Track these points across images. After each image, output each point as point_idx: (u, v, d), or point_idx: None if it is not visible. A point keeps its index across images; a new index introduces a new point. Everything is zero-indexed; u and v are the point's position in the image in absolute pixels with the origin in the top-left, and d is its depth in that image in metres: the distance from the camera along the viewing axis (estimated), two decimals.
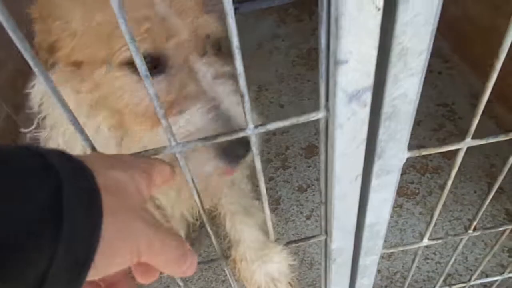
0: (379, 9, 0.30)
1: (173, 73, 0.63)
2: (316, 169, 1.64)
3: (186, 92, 0.62)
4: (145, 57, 0.53)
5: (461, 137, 0.46)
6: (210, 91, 0.61)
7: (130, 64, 0.59)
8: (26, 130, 0.76)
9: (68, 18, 0.59)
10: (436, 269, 1.34)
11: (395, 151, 0.45)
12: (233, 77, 0.60)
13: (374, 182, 0.49)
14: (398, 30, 0.33)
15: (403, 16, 0.31)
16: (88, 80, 0.61)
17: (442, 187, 1.55)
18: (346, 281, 0.69)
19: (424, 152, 0.46)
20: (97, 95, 0.63)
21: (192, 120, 0.59)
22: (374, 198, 0.51)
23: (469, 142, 0.47)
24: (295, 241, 0.59)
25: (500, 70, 0.38)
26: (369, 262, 0.67)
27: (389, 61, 0.35)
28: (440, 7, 0.32)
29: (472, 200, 1.46)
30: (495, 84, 0.40)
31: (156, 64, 0.62)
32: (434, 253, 1.36)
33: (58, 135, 0.72)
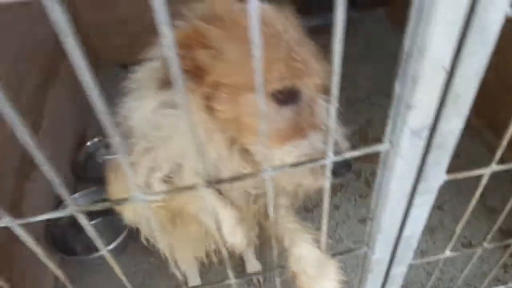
0: (447, 71, 0.40)
1: (302, 105, 0.76)
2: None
3: (310, 121, 0.73)
4: (286, 90, 0.71)
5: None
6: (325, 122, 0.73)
7: (273, 94, 0.72)
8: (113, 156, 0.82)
9: (221, 48, 0.70)
10: (438, 285, 1.44)
11: (437, 174, 0.55)
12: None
13: (417, 200, 0.58)
14: (455, 83, 0.43)
15: (461, 72, 0.42)
16: (228, 101, 0.71)
17: (440, 207, 1.66)
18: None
19: (459, 176, 0.56)
20: (232, 115, 0.72)
21: (314, 144, 0.70)
22: (414, 214, 0.61)
23: (493, 167, 0.57)
24: (340, 253, 0.68)
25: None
26: (398, 272, 0.76)
27: (445, 104, 0.45)
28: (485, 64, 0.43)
29: (468, 219, 1.57)
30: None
31: (292, 97, 0.74)
32: (433, 268, 1.47)
33: (149, 161, 0.79)
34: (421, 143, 0.48)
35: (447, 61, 0.40)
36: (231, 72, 0.70)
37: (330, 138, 0.46)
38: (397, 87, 0.44)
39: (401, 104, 0.44)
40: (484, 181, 0.60)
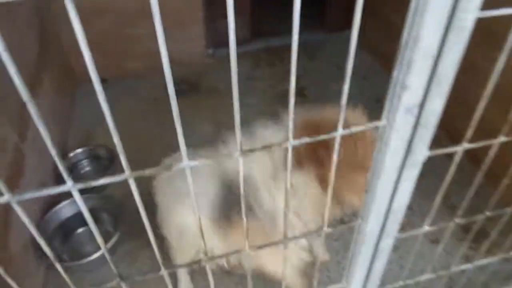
0: (434, 59, 0.52)
1: None
2: None
3: None
4: None
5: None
6: None
7: None
8: None
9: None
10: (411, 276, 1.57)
11: (421, 149, 0.67)
12: None
13: (405, 174, 0.70)
14: (439, 68, 0.55)
15: (444, 60, 0.54)
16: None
17: (409, 207, 1.80)
18: (367, 263, 0.88)
19: (438, 152, 0.69)
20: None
21: None
22: (402, 187, 0.73)
23: (465, 146, 0.70)
24: (334, 226, 0.79)
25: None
26: (385, 245, 0.87)
27: (431, 86, 0.58)
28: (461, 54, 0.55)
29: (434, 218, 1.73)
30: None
31: None
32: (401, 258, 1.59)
33: None
34: (412, 120, 0.60)
35: (435, 50, 0.52)
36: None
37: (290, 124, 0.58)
38: (395, 71, 0.55)
39: (398, 85, 0.56)
40: (457, 158, 0.73)
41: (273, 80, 2.68)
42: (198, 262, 0.68)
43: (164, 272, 0.71)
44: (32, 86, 2.03)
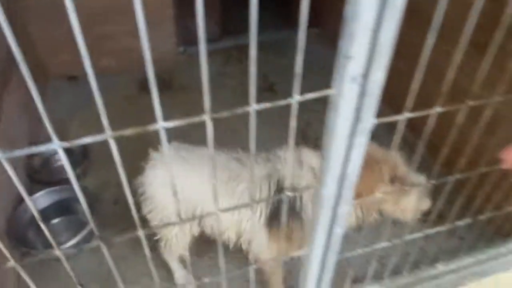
0: (372, 32, 0.62)
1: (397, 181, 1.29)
2: None
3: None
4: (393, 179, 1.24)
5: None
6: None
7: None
8: None
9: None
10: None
11: (369, 117, 0.76)
12: None
13: (355, 140, 0.79)
14: (379, 42, 0.65)
15: (382, 34, 0.63)
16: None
17: None
18: (327, 228, 0.97)
19: (383, 120, 0.78)
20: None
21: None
22: (354, 153, 0.82)
23: (406, 115, 0.80)
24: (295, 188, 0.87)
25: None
26: (342, 211, 0.96)
27: (372, 59, 0.67)
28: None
29: None
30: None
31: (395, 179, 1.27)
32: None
33: None
34: (357, 88, 0.69)
35: (372, 24, 0.61)
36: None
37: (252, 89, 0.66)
38: (340, 43, 0.64)
39: (342, 56, 0.65)
40: (400, 126, 0.82)
41: (243, 76, 2.76)
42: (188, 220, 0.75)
43: (141, 232, 0.78)
44: (3, 82, 2.04)
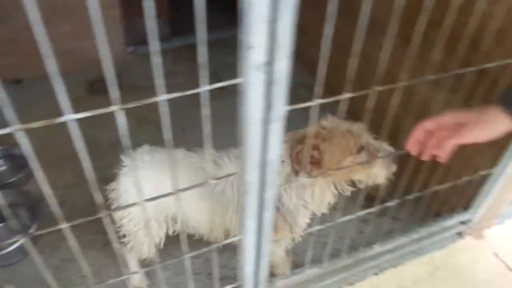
0: (269, 23, 0.66)
1: (365, 150, 1.31)
2: None
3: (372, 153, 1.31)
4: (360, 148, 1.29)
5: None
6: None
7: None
8: None
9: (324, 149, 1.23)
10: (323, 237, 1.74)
11: (280, 105, 0.81)
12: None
13: (270, 127, 0.84)
14: (278, 33, 0.69)
15: (280, 25, 0.68)
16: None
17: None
18: (255, 213, 1.01)
19: (296, 107, 0.83)
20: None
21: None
22: (271, 139, 0.86)
23: (319, 101, 0.85)
24: (220, 178, 0.91)
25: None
26: (270, 196, 1.00)
27: (274, 50, 0.71)
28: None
29: None
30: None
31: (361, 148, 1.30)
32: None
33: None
34: (263, 77, 0.73)
35: (267, 16, 0.65)
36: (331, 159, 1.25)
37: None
38: (241, 35, 0.68)
39: (244, 46, 0.69)
40: (313, 112, 0.88)
41: (192, 75, 2.79)
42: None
43: (103, 214, 0.80)
44: None
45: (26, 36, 2.86)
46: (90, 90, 2.65)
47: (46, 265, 1.69)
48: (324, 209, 1.43)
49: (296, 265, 1.62)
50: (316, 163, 1.28)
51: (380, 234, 1.59)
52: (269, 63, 0.73)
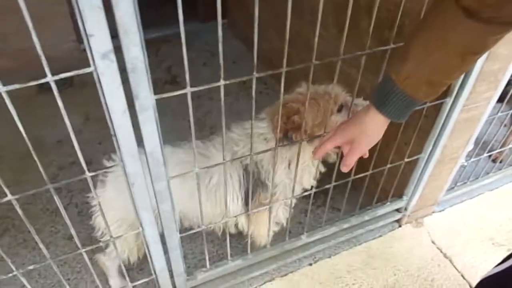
0: (100, 8, 0.64)
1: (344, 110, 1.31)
2: None
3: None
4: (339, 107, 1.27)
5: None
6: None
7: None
8: None
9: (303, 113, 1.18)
10: None
11: (145, 94, 0.80)
12: None
13: (140, 117, 0.83)
14: (117, 20, 0.68)
15: (118, 10, 0.67)
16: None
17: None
18: (149, 205, 1.00)
19: (164, 95, 0.82)
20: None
21: None
22: (144, 130, 0.85)
23: (189, 89, 0.84)
24: (99, 170, 0.90)
25: None
26: (162, 187, 0.99)
27: (120, 37, 0.70)
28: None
29: None
30: None
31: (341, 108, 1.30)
32: None
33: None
34: (114, 65, 0.72)
35: (97, 2, 0.64)
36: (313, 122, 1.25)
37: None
38: (80, 23, 0.67)
39: (85, 35, 0.67)
40: (188, 101, 0.86)
41: (155, 69, 2.77)
42: None
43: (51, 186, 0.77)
44: None
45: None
46: (41, 88, 2.62)
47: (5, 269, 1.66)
48: (310, 183, 1.41)
49: (220, 258, 1.62)
50: (298, 128, 1.24)
51: (319, 225, 1.59)
52: (116, 51, 0.71)
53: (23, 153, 2.18)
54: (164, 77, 2.72)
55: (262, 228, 1.45)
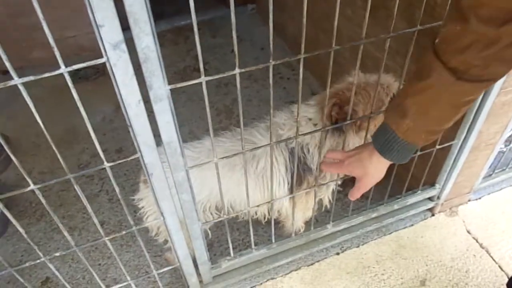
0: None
1: None
2: None
3: None
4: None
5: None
6: None
7: None
8: None
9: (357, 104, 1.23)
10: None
11: (159, 84, 0.79)
12: None
13: (155, 108, 0.82)
14: (128, 8, 0.66)
15: (128, 2, 0.65)
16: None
17: None
18: (169, 195, 1.00)
19: (179, 85, 0.81)
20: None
21: None
22: (160, 120, 0.84)
23: (204, 78, 0.82)
24: (119, 162, 0.90)
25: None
26: (181, 178, 0.99)
27: (131, 27, 0.69)
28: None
29: None
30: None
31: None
32: None
33: None
34: (125, 55, 0.71)
35: None
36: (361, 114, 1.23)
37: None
38: (90, 13, 0.66)
39: (95, 26, 0.67)
40: (204, 90, 0.85)
41: (176, 57, 2.77)
42: None
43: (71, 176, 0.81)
44: None
45: (7, 28, 2.93)
46: (75, 78, 2.68)
47: (14, 249, 1.74)
48: None
49: (246, 246, 1.61)
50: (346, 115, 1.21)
51: (346, 214, 1.55)
52: (128, 40, 0.70)
53: (57, 141, 2.27)
54: (193, 64, 2.72)
55: (307, 213, 1.45)
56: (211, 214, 1.33)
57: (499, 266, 1.58)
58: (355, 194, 1.04)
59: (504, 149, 1.70)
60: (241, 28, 2.99)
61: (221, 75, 0.84)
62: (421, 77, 0.81)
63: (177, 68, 2.67)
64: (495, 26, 0.67)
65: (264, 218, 1.44)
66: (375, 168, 0.97)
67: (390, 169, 0.98)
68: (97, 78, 2.70)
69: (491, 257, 1.61)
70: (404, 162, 0.95)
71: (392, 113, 0.89)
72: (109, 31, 0.67)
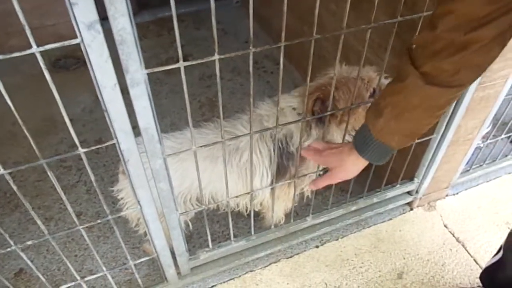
0: None
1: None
2: None
3: None
4: None
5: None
6: None
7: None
8: None
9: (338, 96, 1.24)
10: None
11: (135, 68, 0.77)
12: None
13: (132, 92, 0.80)
14: None
15: None
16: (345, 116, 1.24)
17: None
18: (146, 183, 0.98)
19: (156, 69, 0.79)
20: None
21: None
22: (137, 105, 0.83)
23: (182, 63, 0.81)
24: (93, 148, 0.88)
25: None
26: (158, 166, 0.97)
27: (106, 7, 0.67)
28: None
29: None
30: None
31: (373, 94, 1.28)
32: None
33: None
34: (100, 36, 0.69)
35: None
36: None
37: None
38: None
39: (68, 3, 0.65)
40: (182, 76, 0.83)
41: (159, 48, 2.74)
42: None
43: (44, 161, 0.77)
44: None
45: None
46: (53, 66, 2.63)
47: None
48: None
49: (226, 238, 1.61)
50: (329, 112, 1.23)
51: (326, 207, 1.55)
52: (103, 21, 0.68)
53: (34, 131, 2.21)
54: (176, 56, 2.68)
55: (289, 204, 1.45)
56: (192, 205, 1.32)
57: (474, 260, 1.60)
58: (319, 183, 1.07)
59: (482, 145, 1.73)
60: (226, 21, 2.98)
61: (199, 61, 0.83)
62: (399, 79, 0.84)
63: (160, 59, 2.64)
64: (462, 32, 0.71)
65: (246, 210, 1.44)
66: (352, 164, 0.99)
67: (369, 163, 0.99)
68: (78, 68, 2.64)
69: (467, 251, 1.63)
70: (380, 164, 0.97)
71: (371, 112, 0.92)
72: (82, 10, 0.65)
